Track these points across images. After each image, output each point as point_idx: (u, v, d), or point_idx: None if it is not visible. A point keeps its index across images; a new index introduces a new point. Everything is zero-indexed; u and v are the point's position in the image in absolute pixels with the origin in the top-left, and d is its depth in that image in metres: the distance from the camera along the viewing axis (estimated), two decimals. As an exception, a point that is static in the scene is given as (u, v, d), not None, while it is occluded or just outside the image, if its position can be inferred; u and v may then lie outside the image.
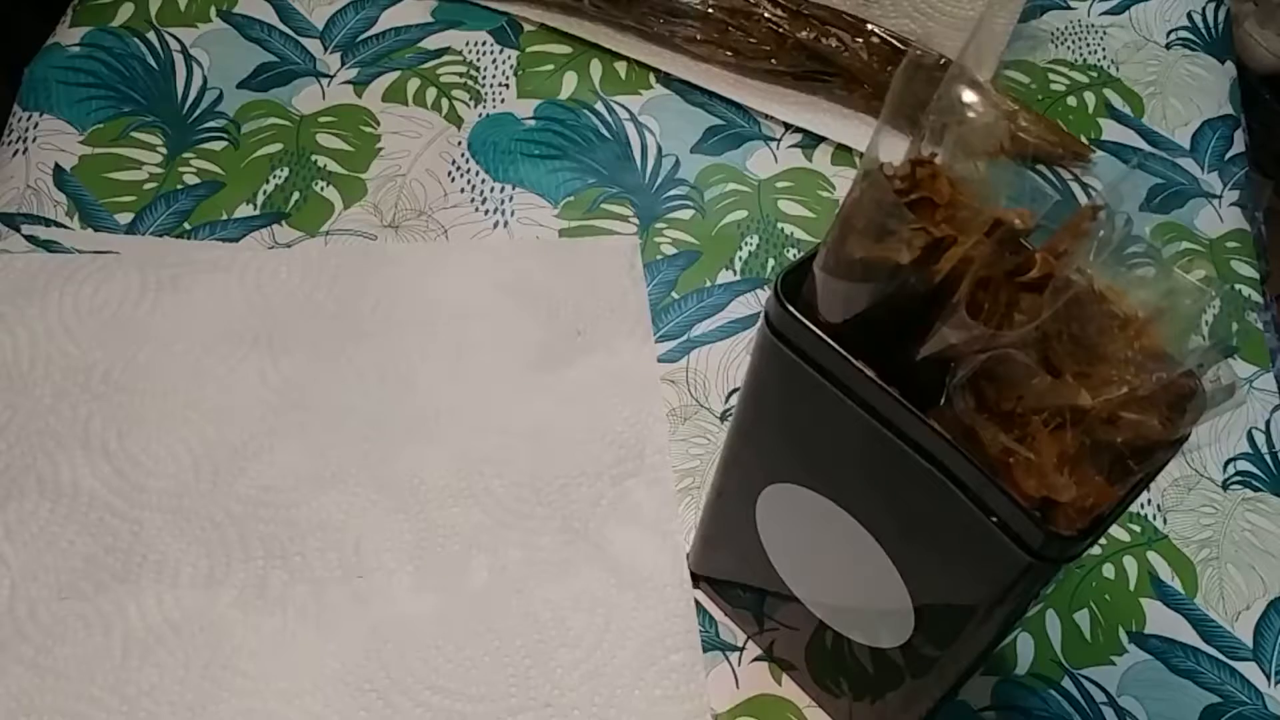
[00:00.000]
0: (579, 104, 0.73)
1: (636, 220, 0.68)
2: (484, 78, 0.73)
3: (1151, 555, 0.61)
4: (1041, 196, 0.38)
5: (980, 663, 0.46)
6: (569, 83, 0.74)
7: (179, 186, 0.66)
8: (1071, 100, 0.79)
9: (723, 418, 0.62)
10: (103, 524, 0.55)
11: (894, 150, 0.79)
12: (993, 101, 0.38)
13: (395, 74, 0.72)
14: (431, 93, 0.72)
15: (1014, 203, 0.39)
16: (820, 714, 0.54)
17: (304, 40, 0.73)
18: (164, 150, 0.67)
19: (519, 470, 0.59)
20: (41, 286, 0.61)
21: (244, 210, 0.64)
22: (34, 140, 0.67)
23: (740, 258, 0.68)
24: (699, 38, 0.74)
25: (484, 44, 0.75)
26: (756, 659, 0.55)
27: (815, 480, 0.45)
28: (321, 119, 0.70)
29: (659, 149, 0.72)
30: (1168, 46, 0.83)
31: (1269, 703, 0.58)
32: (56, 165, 0.66)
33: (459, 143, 0.70)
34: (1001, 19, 0.73)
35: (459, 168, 0.69)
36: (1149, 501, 0.63)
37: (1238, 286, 0.72)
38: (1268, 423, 0.66)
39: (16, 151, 0.66)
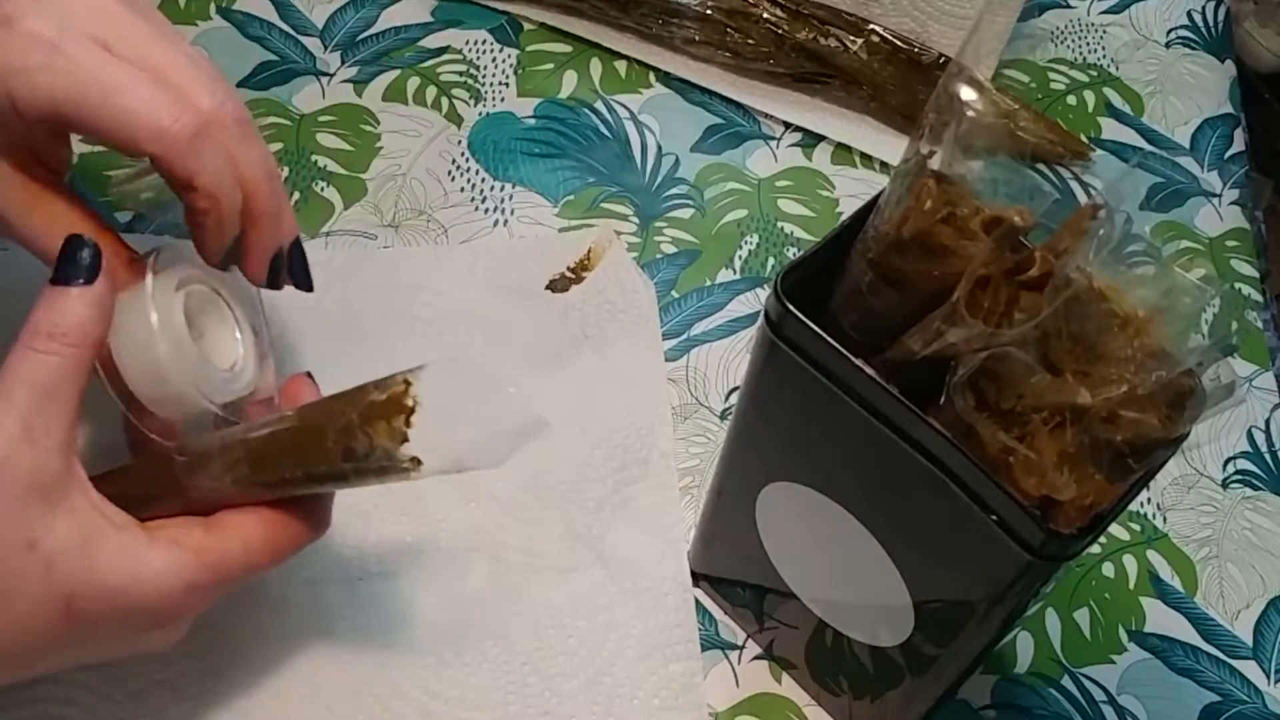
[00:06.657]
0: (579, 103, 0.73)
1: (636, 219, 0.68)
2: (484, 77, 0.73)
3: (1151, 554, 0.61)
4: (1041, 195, 0.38)
5: (980, 661, 0.46)
6: (569, 82, 0.74)
7: (179, 186, 0.66)
8: (1071, 99, 0.79)
9: (723, 416, 0.62)
10: (103, 523, 0.55)
11: (893, 149, 0.79)
12: (993, 100, 0.38)
13: (395, 73, 0.72)
14: (431, 91, 0.72)
15: (1013, 201, 0.39)
16: (820, 713, 0.54)
17: (304, 39, 0.73)
18: (164, 150, 0.67)
19: (521, 473, 0.58)
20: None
21: (244, 210, 0.64)
22: (34, 140, 0.67)
23: (740, 257, 0.68)
24: (698, 39, 0.74)
25: (484, 43, 0.75)
26: (756, 657, 0.56)
27: (815, 479, 0.45)
28: (321, 118, 0.70)
29: (659, 148, 0.72)
30: (1168, 45, 0.83)
31: (1269, 701, 0.58)
32: (56, 164, 0.66)
33: (459, 142, 0.70)
34: (1001, 18, 0.73)
35: (459, 167, 0.69)
36: (1149, 500, 0.63)
37: (1237, 285, 0.72)
38: (1268, 421, 0.66)
39: (16, 151, 0.66)
